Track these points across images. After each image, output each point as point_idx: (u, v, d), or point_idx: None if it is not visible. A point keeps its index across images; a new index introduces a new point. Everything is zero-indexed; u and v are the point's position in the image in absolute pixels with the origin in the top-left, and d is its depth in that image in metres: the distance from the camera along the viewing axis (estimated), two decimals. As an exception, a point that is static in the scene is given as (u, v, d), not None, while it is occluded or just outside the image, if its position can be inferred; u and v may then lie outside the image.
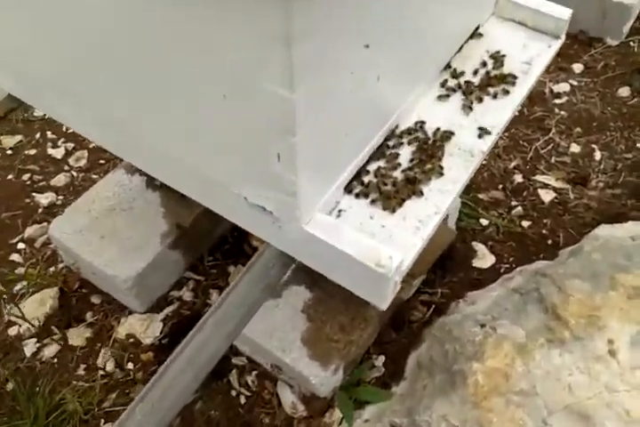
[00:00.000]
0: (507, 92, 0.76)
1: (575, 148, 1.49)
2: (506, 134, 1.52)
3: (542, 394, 0.97)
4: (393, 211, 0.66)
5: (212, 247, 1.34)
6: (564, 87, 1.63)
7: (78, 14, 0.57)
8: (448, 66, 0.79)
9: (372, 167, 0.70)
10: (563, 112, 1.57)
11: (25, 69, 0.76)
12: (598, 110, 1.57)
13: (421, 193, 0.67)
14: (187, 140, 0.62)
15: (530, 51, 0.81)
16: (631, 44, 1.74)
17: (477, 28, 0.81)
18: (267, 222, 0.63)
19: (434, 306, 1.21)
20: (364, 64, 0.56)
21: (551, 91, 1.62)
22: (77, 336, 1.19)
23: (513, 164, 1.47)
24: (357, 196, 0.67)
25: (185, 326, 1.19)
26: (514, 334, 1.04)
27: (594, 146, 1.49)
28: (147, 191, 1.31)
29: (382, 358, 1.14)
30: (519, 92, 0.77)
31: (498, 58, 0.78)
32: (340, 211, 0.66)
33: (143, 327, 1.20)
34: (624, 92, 1.61)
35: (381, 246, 0.59)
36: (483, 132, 0.73)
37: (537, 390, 0.97)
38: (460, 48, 0.80)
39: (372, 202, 0.67)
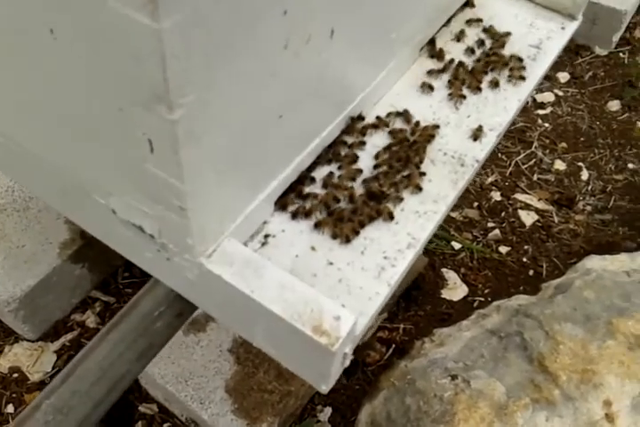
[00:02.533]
0: (511, 82, 0.56)
1: (560, 165, 1.32)
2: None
3: (525, 472, 0.77)
4: (347, 240, 0.44)
5: (127, 262, 1.10)
6: (548, 97, 1.46)
7: None
8: (432, 42, 0.58)
9: (320, 173, 0.48)
10: (546, 124, 1.40)
11: None
12: (585, 124, 1.41)
13: (390, 215, 0.46)
14: (27, 120, 0.40)
15: (539, 32, 0.62)
16: (621, 54, 1.60)
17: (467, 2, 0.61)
18: (150, 250, 0.41)
19: (394, 345, 1.00)
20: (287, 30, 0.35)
21: (534, 100, 1.45)
22: (-56, 370, 0.94)
23: (490, 179, 1.29)
24: (294, 215, 0.46)
25: (83, 362, 0.95)
26: (492, 390, 0.83)
27: (581, 164, 1.33)
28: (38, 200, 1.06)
29: (329, 411, 0.92)
30: (526, 84, 0.57)
31: (497, 36, 0.59)
32: (266, 236, 0.44)
33: (32, 359, 0.95)
34: (614, 105, 1.46)
35: (325, 299, 0.38)
36: (478, 132, 0.52)
37: (518, 466, 0.77)
38: (449, 20, 0.60)
39: (317, 226, 0.45)
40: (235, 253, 0.38)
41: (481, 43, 0.59)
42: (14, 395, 0.93)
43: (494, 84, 0.55)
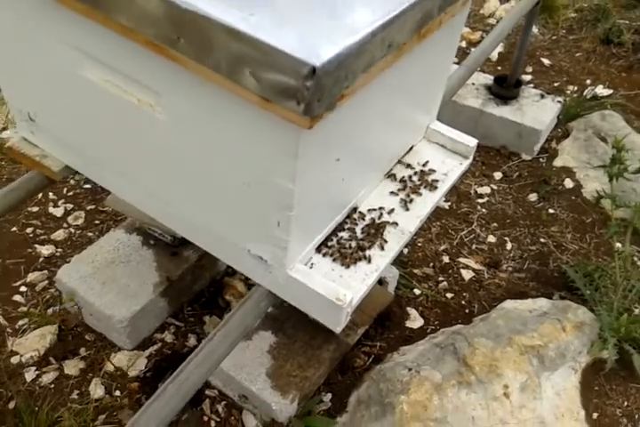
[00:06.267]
0: (430, 192, 1.11)
1: (492, 238, 1.87)
2: (438, 224, 1.88)
3: (452, 423, 1.24)
4: (348, 266, 0.97)
5: (191, 299, 1.59)
6: (486, 190, 2.04)
7: (141, 133, 0.88)
8: (391, 172, 1.13)
9: (336, 236, 1.01)
10: (484, 209, 1.96)
11: (92, 154, 1.05)
12: (511, 210, 1.97)
13: (367, 256, 0.99)
14: (211, 211, 0.92)
15: (447, 165, 1.17)
16: (540, 159, 2.19)
17: (412, 147, 1.17)
18: (261, 268, 0.92)
19: (373, 356, 1.49)
20: (335, 170, 0.89)
21: (476, 192, 2.02)
22: (72, 367, 1.40)
23: (442, 247, 1.82)
24: (324, 255, 0.98)
25: (166, 363, 1.42)
26: (433, 376, 1.32)
27: (506, 238, 1.87)
28: (142, 248, 1.57)
29: (330, 395, 1.39)
30: (437, 194, 1.11)
31: (426, 169, 1.14)
32: (312, 264, 0.96)
33: (130, 362, 1.41)
34: (532, 197, 2.03)
35: (340, 288, 0.89)
36: (412, 217, 1.06)
37: (448, 419, 1.24)
38: (399, 160, 1.16)
39: (334, 260, 0.97)
40: (301, 269, 0.90)
41: (416, 172, 1.14)
42: (119, 385, 1.38)
43: (420, 195, 1.10)
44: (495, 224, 1.92)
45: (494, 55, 2.61)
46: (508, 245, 1.85)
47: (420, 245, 1.81)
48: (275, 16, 0.66)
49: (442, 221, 1.90)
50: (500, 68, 2.57)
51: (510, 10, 2.75)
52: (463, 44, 2.73)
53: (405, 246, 1.77)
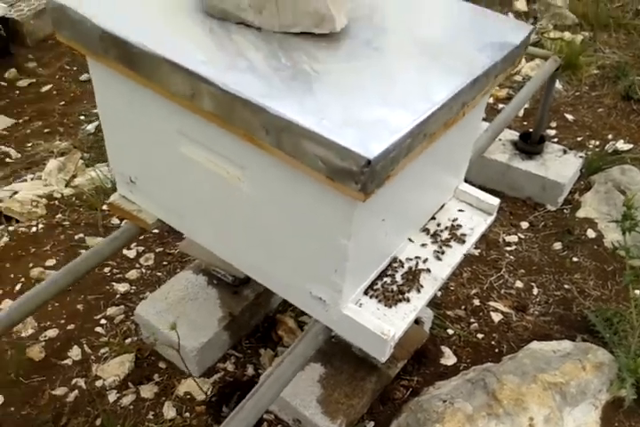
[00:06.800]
0: (459, 245, 1.31)
1: (519, 284, 2.04)
2: (469, 269, 2.07)
3: (481, 449, 1.40)
4: (390, 307, 1.17)
5: (249, 333, 1.80)
6: (513, 238, 2.22)
7: (227, 198, 1.12)
8: (425, 226, 1.35)
9: (380, 281, 1.22)
10: (511, 257, 2.14)
11: (182, 212, 1.29)
12: (537, 258, 2.14)
13: (407, 298, 1.19)
14: (281, 260, 1.15)
15: (474, 221, 1.38)
16: (564, 210, 2.37)
17: (443, 205, 1.38)
18: (320, 307, 1.13)
19: (411, 389, 1.66)
20: (380, 228, 1.11)
21: (504, 240, 2.20)
22: (148, 391, 1.61)
23: (473, 291, 2.00)
24: (371, 296, 1.19)
25: (228, 389, 1.62)
26: (465, 407, 1.49)
27: (533, 284, 2.04)
28: (207, 287, 1.81)
29: (372, 424, 1.57)
30: (466, 246, 1.32)
31: (455, 224, 1.35)
32: (361, 304, 1.17)
33: (197, 388, 1.62)
34: (557, 246, 2.20)
35: (384, 324, 1.09)
36: (444, 266, 1.26)
37: (477, 445, 1.40)
38: (433, 216, 1.37)
39: (379, 301, 1.18)
40: (352, 308, 1.11)
41: (446, 227, 1.35)
42: (188, 407, 1.59)
43: (451, 247, 1.30)
44: (522, 271, 2.09)
45: (520, 111, 2.83)
46: (535, 291, 2.01)
47: (452, 288, 2.00)
48: (339, 119, 0.90)
49: (472, 266, 2.08)
50: (525, 122, 2.79)
51: (536, 71, 2.99)
52: (490, 100, 2.96)
53: (439, 290, 1.95)
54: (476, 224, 1.37)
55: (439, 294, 1.96)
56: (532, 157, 2.38)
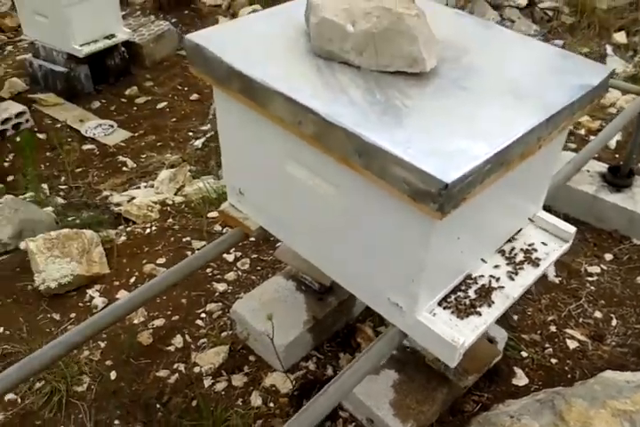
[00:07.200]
0: (532, 268, 1.40)
1: (598, 314, 2.05)
2: (548, 296, 2.11)
3: (542, 464, 1.46)
4: (462, 318, 1.28)
5: (330, 337, 1.96)
6: (595, 269, 2.23)
7: (322, 211, 1.28)
8: (501, 248, 1.45)
9: (454, 294, 1.33)
10: (592, 287, 2.15)
11: (282, 221, 1.48)
12: (619, 290, 2.14)
13: (478, 312, 1.30)
14: (364, 268, 1.30)
15: (549, 247, 1.46)
16: (653, 245, 2.34)
17: (520, 230, 1.48)
18: (396, 312, 1.27)
19: (481, 404, 1.74)
20: (456, 245, 1.23)
21: (586, 270, 2.22)
22: (238, 380, 1.81)
23: (550, 318, 2.04)
24: (444, 308, 1.31)
25: (309, 386, 1.78)
26: (532, 425, 1.55)
27: (612, 315, 2.05)
28: (296, 292, 1.99)
29: (440, 431, 1.66)
30: (539, 270, 1.40)
31: (530, 248, 1.44)
32: (434, 313, 1.29)
33: (282, 382, 1.79)
34: (641, 279, 2.19)
35: (455, 333, 1.21)
36: (516, 286, 1.36)
37: (539, 461, 1.46)
38: (509, 240, 1.47)
39: (452, 312, 1.30)
40: (426, 316, 1.24)
41: (521, 250, 1.44)
42: (273, 398, 1.77)
43: (524, 269, 1.39)
44: (602, 301, 2.10)
45: (612, 143, 2.83)
46: (614, 322, 2.02)
47: (529, 313, 2.05)
48: (423, 148, 1.04)
49: (552, 294, 2.12)
50: (617, 155, 2.78)
51: (630, 103, 2.96)
52: (582, 131, 2.97)
53: (515, 314, 2.02)
54: (550, 250, 1.45)
55: (515, 317, 2.02)
56: (621, 190, 2.38)
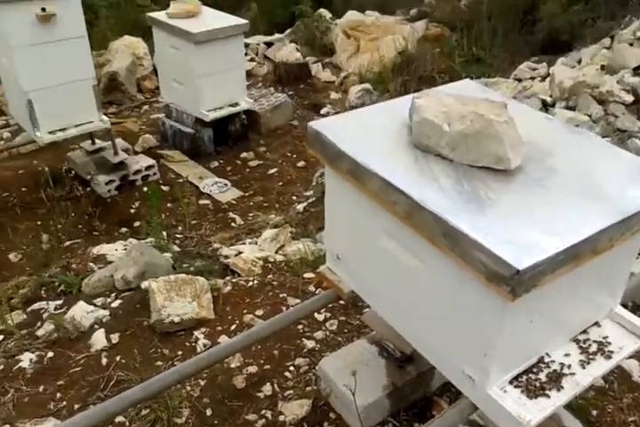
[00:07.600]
0: (605, 360, 1.44)
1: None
2: (631, 396, 2.05)
3: None
4: (531, 399, 1.35)
5: (406, 406, 2.04)
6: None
7: (408, 283, 1.43)
8: (576, 337, 1.50)
9: (526, 375, 1.40)
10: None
11: (371, 287, 1.65)
12: None
13: (547, 395, 1.36)
14: (441, 341, 1.41)
15: (624, 342, 1.48)
16: None
17: (597, 322, 1.53)
18: (469, 385, 1.36)
19: None
20: (529, 328, 1.33)
21: (680, 370, 2.15)
22: (321, 434, 1.94)
23: (631, 418, 1.98)
24: (515, 386, 1.38)
25: (381, 448, 1.86)
26: None
27: None
28: (378, 357, 2.10)
29: None
30: (611, 362, 1.44)
31: (604, 341, 1.49)
32: (505, 390, 1.37)
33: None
34: None
35: (522, 411, 1.28)
36: (587, 375, 1.41)
37: None
38: (584, 330, 1.52)
39: (522, 391, 1.37)
40: (496, 391, 1.32)
41: (596, 341, 1.48)
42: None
43: (597, 360, 1.44)
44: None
45: None
46: None
47: (609, 411, 2.01)
48: (501, 236, 1.18)
49: (634, 393, 2.07)
50: None
51: None
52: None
53: (595, 409, 1.99)
54: (625, 345, 1.49)
55: (594, 413, 1.99)
56: None
